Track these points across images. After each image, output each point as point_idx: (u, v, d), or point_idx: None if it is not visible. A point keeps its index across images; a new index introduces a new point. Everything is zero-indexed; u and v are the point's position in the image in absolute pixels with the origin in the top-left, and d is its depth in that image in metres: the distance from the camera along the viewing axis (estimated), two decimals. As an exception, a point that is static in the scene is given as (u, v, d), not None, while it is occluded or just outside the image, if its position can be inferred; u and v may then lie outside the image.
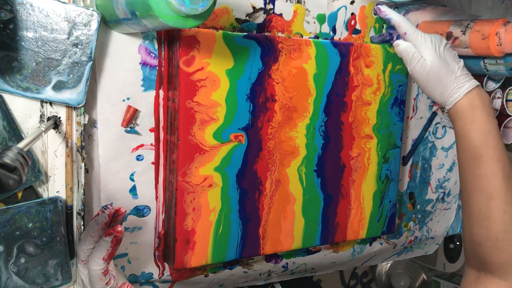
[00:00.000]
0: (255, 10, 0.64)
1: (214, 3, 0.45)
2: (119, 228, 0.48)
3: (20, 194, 0.54)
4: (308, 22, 0.69)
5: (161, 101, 0.60)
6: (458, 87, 0.64)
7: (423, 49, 0.65)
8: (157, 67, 0.59)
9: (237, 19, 0.63)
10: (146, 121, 0.60)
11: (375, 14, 0.74)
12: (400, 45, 0.67)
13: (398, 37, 0.71)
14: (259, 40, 0.62)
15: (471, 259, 0.66)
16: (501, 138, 0.63)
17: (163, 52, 0.59)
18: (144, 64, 0.58)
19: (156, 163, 0.61)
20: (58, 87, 0.52)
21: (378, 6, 0.72)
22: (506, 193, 0.61)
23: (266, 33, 0.66)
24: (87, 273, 0.51)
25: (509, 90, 0.85)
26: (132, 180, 0.60)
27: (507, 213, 0.61)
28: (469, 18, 0.71)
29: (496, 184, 0.61)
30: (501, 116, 0.86)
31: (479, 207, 0.63)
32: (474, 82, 0.64)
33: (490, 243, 0.62)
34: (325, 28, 0.70)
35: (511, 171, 0.63)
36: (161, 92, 0.60)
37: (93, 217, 0.49)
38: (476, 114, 0.63)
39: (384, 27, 0.76)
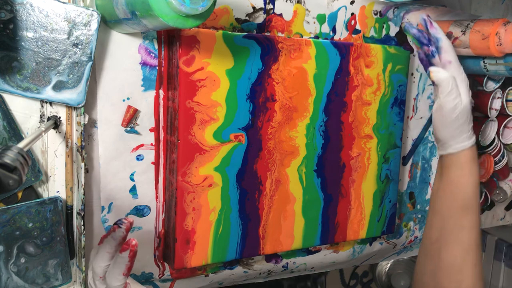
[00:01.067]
0: (255, 10, 0.64)
1: (214, 3, 0.45)
2: (134, 242, 0.48)
3: (20, 194, 0.54)
4: (308, 22, 0.69)
5: (161, 101, 0.60)
6: (469, 136, 0.64)
7: (459, 85, 0.63)
8: (157, 67, 0.59)
9: (237, 19, 0.63)
10: (146, 121, 0.60)
11: (417, 30, 0.69)
12: (442, 74, 0.63)
13: (433, 52, 0.67)
14: (259, 40, 0.62)
15: None
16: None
17: (163, 52, 0.59)
18: (144, 64, 0.58)
19: (156, 163, 0.61)
20: (58, 87, 0.52)
21: (429, 19, 0.66)
22: (479, 245, 0.62)
23: (266, 33, 0.65)
24: None
25: (509, 90, 0.85)
26: (132, 180, 0.60)
27: (477, 266, 0.61)
28: (469, 18, 0.71)
29: (475, 236, 0.62)
30: (501, 116, 0.86)
31: (454, 259, 0.62)
32: (474, 136, 0.66)
33: None
34: (325, 28, 0.70)
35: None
36: (161, 92, 0.60)
37: (108, 233, 0.48)
38: (473, 167, 0.64)
39: (385, 26, 0.76)
